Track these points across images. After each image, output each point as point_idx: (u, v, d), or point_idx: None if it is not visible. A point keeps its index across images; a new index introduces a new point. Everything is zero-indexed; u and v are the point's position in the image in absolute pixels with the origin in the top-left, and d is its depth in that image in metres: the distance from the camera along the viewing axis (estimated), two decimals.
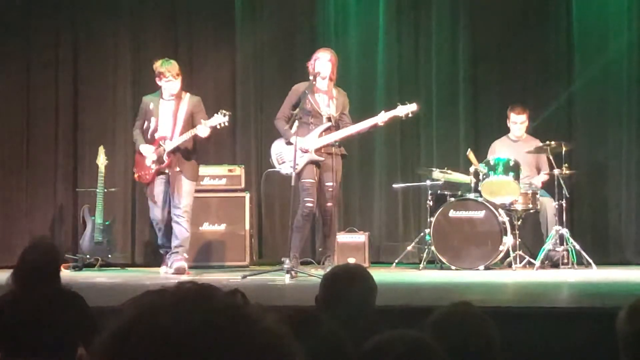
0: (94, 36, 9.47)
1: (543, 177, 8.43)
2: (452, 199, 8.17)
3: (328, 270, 3.60)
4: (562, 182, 8.00)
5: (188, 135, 7.65)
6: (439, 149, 9.26)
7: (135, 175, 8.05)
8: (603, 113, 9.10)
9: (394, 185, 9.06)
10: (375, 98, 9.29)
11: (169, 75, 7.68)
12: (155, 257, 8.75)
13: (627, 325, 2.44)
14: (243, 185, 8.95)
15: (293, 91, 7.53)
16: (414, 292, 6.34)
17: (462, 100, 9.30)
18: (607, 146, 9.07)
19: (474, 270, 7.75)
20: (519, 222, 8.06)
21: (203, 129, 7.55)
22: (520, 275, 7.49)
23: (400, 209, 9.36)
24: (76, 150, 9.39)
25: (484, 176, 8.04)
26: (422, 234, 8.42)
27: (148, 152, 7.74)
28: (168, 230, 7.79)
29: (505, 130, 8.70)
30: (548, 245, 7.93)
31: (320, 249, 7.99)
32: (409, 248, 8.58)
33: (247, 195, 8.90)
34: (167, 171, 7.75)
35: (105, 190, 8.68)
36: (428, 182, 8.48)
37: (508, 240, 7.94)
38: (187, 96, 7.81)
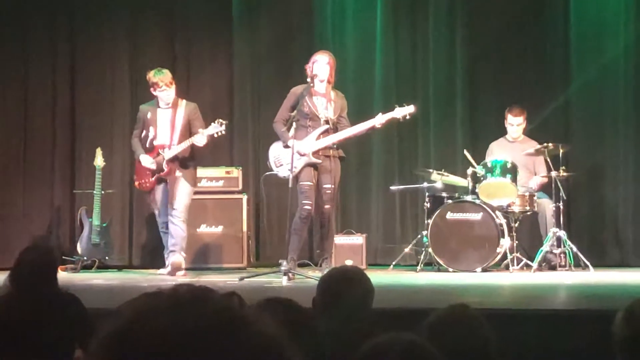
0: (92, 39, 9.47)
1: (539, 179, 8.41)
2: (450, 201, 8.17)
3: (325, 272, 3.60)
4: (559, 184, 8.00)
5: (186, 144, 7.76)
6: (437, 151, 9.25)
7: (136, 183, 8.13)
8: (600, 115, 9.10)
9: (392, 187, 9.04)
10: (372, 100, 9.28)
11: (162, 85, 7.80)
12: (152, 258, 8.76)
13: (624, 328, 2.44)
14: (240, 187, 8.95)
15: (291, 94, 7.52)
16: (411, 294, 6.35)
17: (460, 102, 9.30)
18: (605, 148, 9.06)
19: (471, 273, 7.75)
20: (516, 224, 8.05)
21: (200, 138, 7.67)
22: (518, 278, 7.48)
23: (397, 211, 9.35)
24: (73, 152, 9.38)
25: (482, 178, 8.04)
26: (419, 236, 8.41)
27: (147, 162, 7.83)
28: None
29: (503, 132, 8.68)
30: (545, 247, 7.92)
31: (317, 251, 7.98)
32: (407, 250, 8.57)
33: (245, 197, 8.90)
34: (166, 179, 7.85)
35: (103, 192, 8.68)
36: (425, 184, 8.48)
37: (505, 243, 7.93)
38: (183, 103, 7.90)
